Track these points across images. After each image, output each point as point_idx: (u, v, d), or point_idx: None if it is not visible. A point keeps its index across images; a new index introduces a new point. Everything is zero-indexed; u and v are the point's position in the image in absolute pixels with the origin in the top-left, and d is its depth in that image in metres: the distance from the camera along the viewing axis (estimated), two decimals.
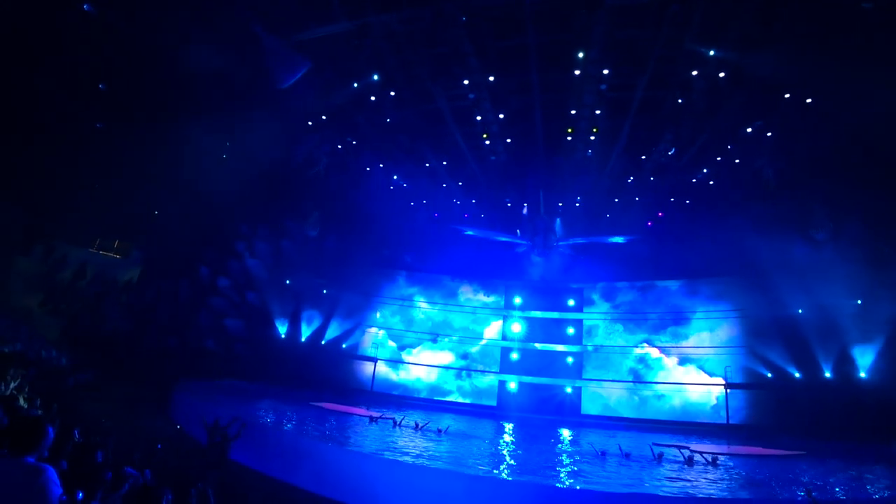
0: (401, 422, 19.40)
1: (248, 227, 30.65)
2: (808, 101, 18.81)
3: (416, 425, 18.82)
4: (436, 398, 30.32)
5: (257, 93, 21.52)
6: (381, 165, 28.41)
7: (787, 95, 18.85)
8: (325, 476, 12.16)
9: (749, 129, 20.92)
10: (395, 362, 31.78)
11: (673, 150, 23.10)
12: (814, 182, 21.67)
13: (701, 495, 11.40)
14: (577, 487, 11.27)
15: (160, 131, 22.42)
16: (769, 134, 21.01)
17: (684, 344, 27.92)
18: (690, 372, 27.14)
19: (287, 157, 27.00)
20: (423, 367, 31.35)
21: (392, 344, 32.06)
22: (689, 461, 15.25)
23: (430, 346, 31.73)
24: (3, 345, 15.24)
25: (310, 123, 23.97)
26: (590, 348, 29.71)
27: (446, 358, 31.37)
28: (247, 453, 13.81)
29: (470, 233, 30.85)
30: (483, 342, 31.34)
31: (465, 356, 31.27)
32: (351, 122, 24.03)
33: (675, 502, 10.65)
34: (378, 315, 32.63)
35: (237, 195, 27.29)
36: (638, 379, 28.21)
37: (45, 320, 22.30)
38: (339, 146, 26.67)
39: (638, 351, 28.69)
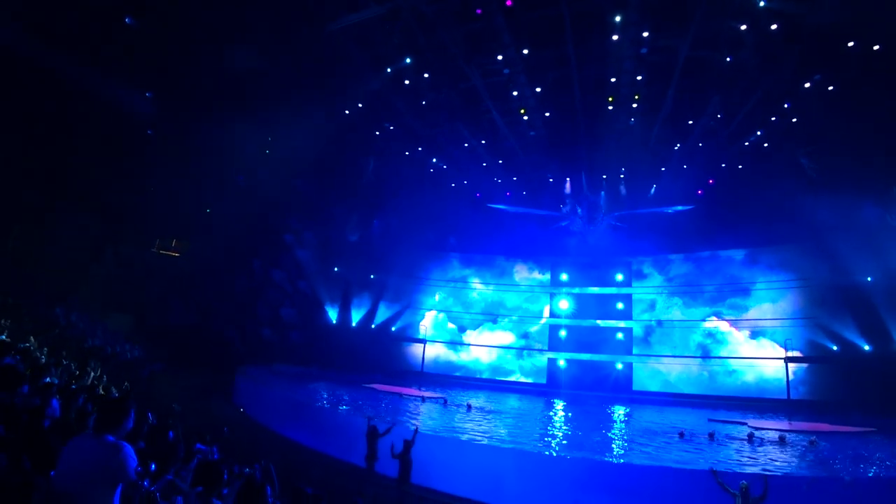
0: (426, 398, 20.68)
1: (296, 219, 31.60)
2: (876, 48, 17.16)
3: (445, 402, 20.01)
4: (498, 378, 30.45)
5: (297, 88, 22.02)
6: (420, 149, 28.42)
7: (850, 44, 17.24)
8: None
9: (807, 85, 19.33)
10: (451, 343, 32.08)
11: (721, 113, 21.77)
12: (884, 137, 19.81)
13: (780, 473, 11.11)
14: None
15: (206, 133, 23.44)
16: (830, 88, 19.38)
17: (745, 316, 26.69)
18: (765, 346, 25.76)
19: (330, 148, 27.50)
20: (482, 347, 31.58)
21: (451, 326, 32.38)
22: (782, 440, 14.87)
23: (491, 326, 31.83)
24: (83, 341, 16.49)
25: (346, 112, 24.20)
26: (653, 323, 28.84)
27: (506, 338, 31.41)
28: (305, 433, 14.52)
29: (512, 210, 30.49)
30: (543, 321, 31.11)
31: (525, 336, 31.24)
32: (388, 107, 24.11)
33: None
34: (437, 297, 32.96)
35: (284, 189, 28.15)
36: (706, 354, 27.13)
37: (118, 318, 23.90)
38: (378, 132, 26.86)
39: (707, 325, 27.52)
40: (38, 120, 18.79)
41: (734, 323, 26.86)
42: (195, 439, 6.36)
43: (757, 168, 25.02)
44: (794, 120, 21.53)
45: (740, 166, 25.74)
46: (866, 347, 22.72)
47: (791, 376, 24.72)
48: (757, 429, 16.59)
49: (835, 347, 23.69)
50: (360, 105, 23.92)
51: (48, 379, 6.11)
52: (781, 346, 25.08)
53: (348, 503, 5.90)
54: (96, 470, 3.18)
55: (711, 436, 15.10)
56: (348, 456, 12.76)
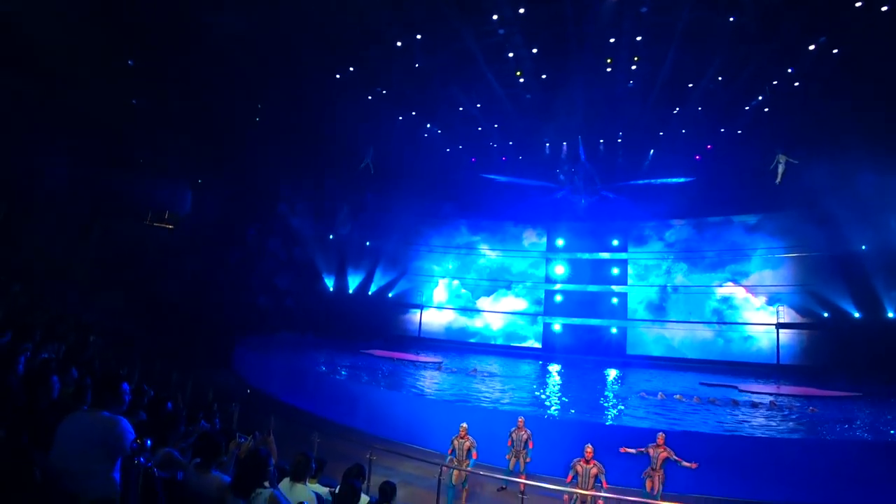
0: (417, 362, 21.99)
1: (289, 187, 31.21)
2: (884, 9, 16.62)
3: (440, 366, 21.15)
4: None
5: (285, 53, 21.35)
6: (414, 113, 27.84)
7: (857, 4, 16.68)
8: (378, 416, 12.93)
9: (812, 47, 18.82)
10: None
11: (723, 76, 21.28)
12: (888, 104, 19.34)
13: (761, 434, 11.62)
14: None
15: (194, 102, 22.87)
16: (835, 51, 18.88)
17: (745, 283, 26.91)
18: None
19: (320, 115, 26.90)
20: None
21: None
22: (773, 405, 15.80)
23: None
24: (79, 317, 16.36)
25: (337, 77, 23.58)
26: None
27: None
28: (305, 399, 14.82)
29: (507, 180, 30.19)
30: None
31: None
32: (380, 71, 23.47)
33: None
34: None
35: (276, 157, 27.68)
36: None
37: (113, 292, 23.46)
38: (370, 97, 26.24)
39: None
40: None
41: (751, 289, 26.93)
42: (198, 411, 6.42)
43: (756, 133, 24.64)
44: (797, 84, 21.06)
45: (739, 131, 25.36)
46: (856, 315, 23.14)
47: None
48: (753, 393, 17.27)
49: (826, 314, 24.07)
50: (350, 69, 23.26)
51: (45, 355, 6.11)
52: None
53: (351, 466, 6.03)
54: (94, 445, 3.20)
55: (735, 403, 15.75)
56: (348, 420, 13.08)
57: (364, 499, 5.44)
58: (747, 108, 23.22)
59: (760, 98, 22.41)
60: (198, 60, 20.83)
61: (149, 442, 3.56)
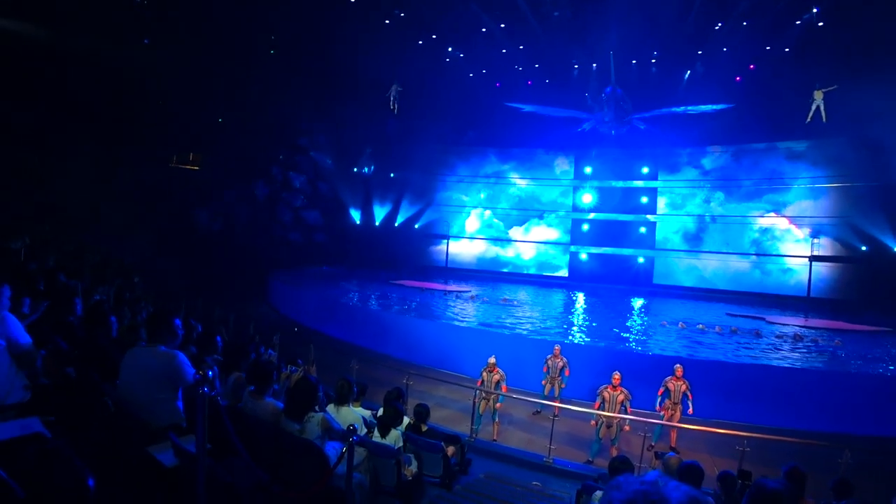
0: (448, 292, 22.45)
1: (309, 121, 30.72)
2: None
3: (471, 296, 21.43)
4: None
5: None
6: (434, 37, 26.46)
7: None
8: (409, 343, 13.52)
9: None
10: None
11: None
12: None
13: (786, 365, 11.75)
14: None
15: (206, 40, 22.19)
16: None
17: (784, 214, 25.78)
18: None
19: (336, 43, 25.83)
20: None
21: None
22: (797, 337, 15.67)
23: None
24: (121, 259, 16.99)
25: (352, 0, 22.34)
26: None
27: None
28: (340, 328, 15.53)
29: (533, 109, 28.71)
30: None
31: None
32: None
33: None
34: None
35: (293, 90, 27.06)
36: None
37: (142, 234, 24.02)
38: (388, 21, 24.92)
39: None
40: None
41: (793, 221, 25.68)
42: (247, 343, 6.78)
43: (806, 52, 22.41)
44: None
45: (787, 49, 23.15)
46: None
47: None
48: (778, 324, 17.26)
49: (864, 248, 23.13)
50: None
51: (97, 297, 6.43)
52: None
53: (391, 389, 6.43)
54: (156, 378, 3.44)
55: (758, 333, 15.79)
56: (383, 348, 13.71)
57: (405, 420, 5.84)
58: (798, 21, 21.09)
59: (815, 11, 20.18)
60: None
61: (210, 373, 3.82)
